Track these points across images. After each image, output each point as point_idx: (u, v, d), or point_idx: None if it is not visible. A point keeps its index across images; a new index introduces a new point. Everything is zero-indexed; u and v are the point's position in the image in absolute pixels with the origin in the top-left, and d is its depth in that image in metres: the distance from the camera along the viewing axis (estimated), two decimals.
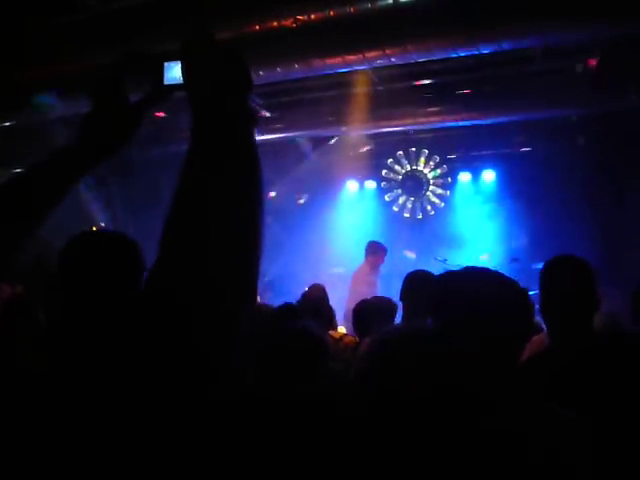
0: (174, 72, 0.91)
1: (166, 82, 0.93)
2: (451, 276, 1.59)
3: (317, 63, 4.80)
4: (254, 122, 0.78)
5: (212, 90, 0.77)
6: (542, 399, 1.48)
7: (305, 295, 4.71)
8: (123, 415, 0.63)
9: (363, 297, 4.17)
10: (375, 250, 6.89)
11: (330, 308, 4.03)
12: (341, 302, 5.98)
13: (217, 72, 0.78)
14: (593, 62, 6.11)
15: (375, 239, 7.18)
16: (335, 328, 4.18)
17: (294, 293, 5.06)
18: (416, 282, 3.25)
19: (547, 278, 2.31)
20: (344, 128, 7.91)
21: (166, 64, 0.92)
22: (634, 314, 3.20)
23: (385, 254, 6.90)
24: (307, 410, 1.11)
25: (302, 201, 9.73)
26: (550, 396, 1.54)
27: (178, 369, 0.64)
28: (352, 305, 4.01)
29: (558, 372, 1.96)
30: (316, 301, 4.34)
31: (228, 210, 0.70)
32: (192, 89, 0.80)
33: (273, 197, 9.58)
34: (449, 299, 1.48)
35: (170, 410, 0.63)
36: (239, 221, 0.70)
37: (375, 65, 5.17)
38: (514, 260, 7.51)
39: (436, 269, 6.77)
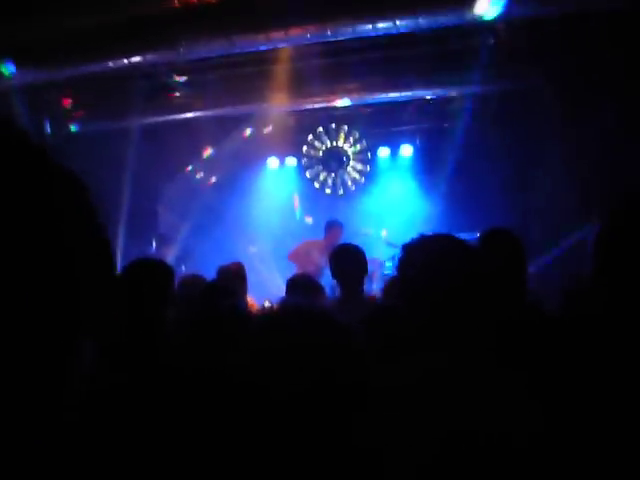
0: None
1: None
2: (412, 244, 1.63)
3: (239, 40, 4.73)
4: None
5: None
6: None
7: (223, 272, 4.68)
8: None
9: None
10: (332, 227, 6.99)
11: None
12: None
13: None
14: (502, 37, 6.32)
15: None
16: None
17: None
18: (344, 256, 3.31)
19: (482, 249, 2.39)
20: (264, 105, 7.84)
21: None
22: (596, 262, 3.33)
23: (342, 230, 6.99)
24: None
25: (214, 180, 9.58)
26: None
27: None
28: None
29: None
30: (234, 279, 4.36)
31: None
32: None
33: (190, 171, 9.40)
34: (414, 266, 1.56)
35: None
36: None
37: (297, 43, 5.15)
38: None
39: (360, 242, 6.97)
